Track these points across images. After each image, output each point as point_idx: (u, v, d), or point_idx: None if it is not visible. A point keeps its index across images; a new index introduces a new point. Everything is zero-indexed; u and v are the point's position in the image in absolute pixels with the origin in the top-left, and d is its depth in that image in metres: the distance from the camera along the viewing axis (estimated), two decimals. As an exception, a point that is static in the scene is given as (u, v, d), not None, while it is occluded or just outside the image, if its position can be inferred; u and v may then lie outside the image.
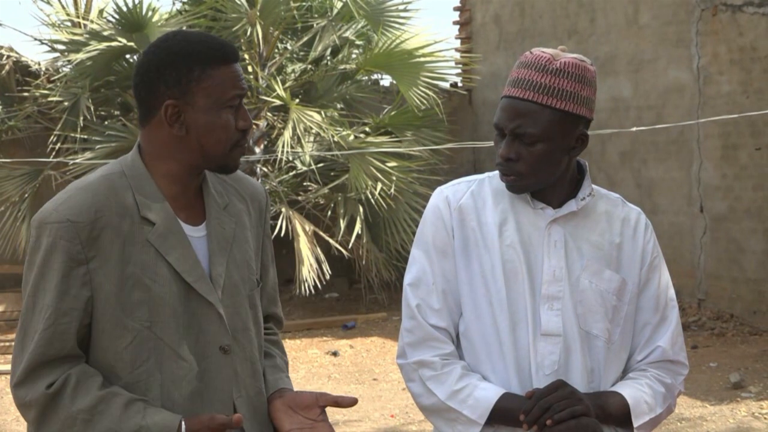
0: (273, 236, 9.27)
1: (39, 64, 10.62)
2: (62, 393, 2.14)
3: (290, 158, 10.31)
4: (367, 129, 10.77)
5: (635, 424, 2.36)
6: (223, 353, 2.25)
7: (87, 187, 2.22)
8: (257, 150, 10.30)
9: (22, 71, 10.56)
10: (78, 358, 2.19)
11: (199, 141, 2.23)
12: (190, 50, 2.21)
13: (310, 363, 8.89)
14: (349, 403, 2.31)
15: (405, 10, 10.84)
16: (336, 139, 9.99)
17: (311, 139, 10.47)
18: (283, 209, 10.04)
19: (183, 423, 2.14)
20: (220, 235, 2.29)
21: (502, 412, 2.31)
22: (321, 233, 10.34)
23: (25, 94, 10.38)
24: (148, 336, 2.18)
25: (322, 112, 10.16)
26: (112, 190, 2.21)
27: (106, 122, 10.38)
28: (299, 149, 10.20)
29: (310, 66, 10.97)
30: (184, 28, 10.03)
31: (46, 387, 2.14)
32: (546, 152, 2.32)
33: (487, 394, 2.33)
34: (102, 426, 2.13)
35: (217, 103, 2.22)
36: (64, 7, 11.10)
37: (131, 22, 9.95)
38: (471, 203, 2.43)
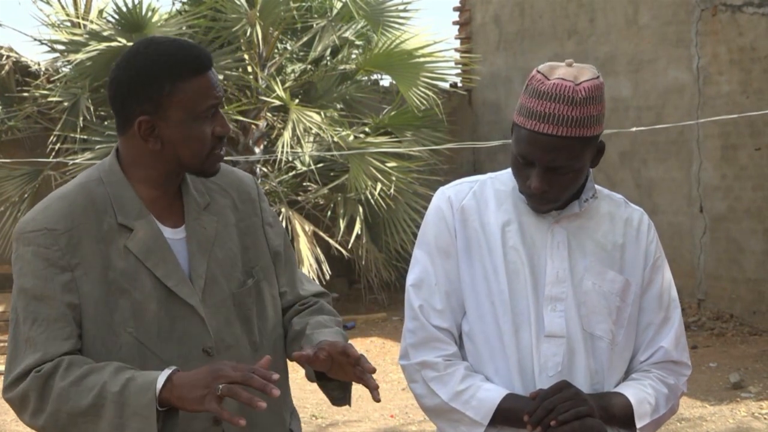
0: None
1: (39, 65, 10.62)
2: (54, 374, 2.12)
3: (290, 158, 10.31)
4: (366, 129, 10.78)
5: (638, 425, 2.36)
6: (206, 355, 2.24)
7: (64, 196, 2.23)
8: (257, 150, 10.30)
9: (22, 71, 10.56)
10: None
11: (174, 153, 2.22)
12: (159, 65, 2.19)
13: (310, 363, 8.89)
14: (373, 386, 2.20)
15: (405, 11, 10.84)
16: (336, 139, 9.99)
17: (311, 139, 10.47)
18: (283, 209, 10.04)
19: (171, 372, 2.07)
20: (201, 236, 2.28)
21: (506, 412, 2.31)
22: (321, 233, 10.34)
23: (25, 94, 10.37)
24: (133, 342, 2.18)
25: (322, 113, 10.17)
26: (89, 198, 2.22)
27: (105, 122, 10.37)
28: (299, 149, 10.20)
29: (309, 66, 10.97)
30: (184, 28, 10.04)
31: (35, 371, 2.12)
32: (578, 176, 2.33)
33: (490, 394, 2.33)
34: (92, 393, 2.08)
35: (191, 115, 2.20)
36: (63, 8, 11.10)
37: (131, 23, 9.94)
38: (473, 204, 2.43)
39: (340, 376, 2.25)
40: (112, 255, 2.19)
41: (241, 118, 10.11)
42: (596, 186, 2.45)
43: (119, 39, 9.84)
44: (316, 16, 11.01)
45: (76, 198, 2.21)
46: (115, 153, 2.29)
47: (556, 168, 2.28)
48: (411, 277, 2.44)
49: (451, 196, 2.45)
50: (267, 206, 2.48)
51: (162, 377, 2.06)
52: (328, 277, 10.08)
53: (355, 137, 10.46)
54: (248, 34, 10.10)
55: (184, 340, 2.22)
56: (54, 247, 2.16)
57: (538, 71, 2.32)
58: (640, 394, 2.38)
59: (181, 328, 2.22)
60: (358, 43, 11.20)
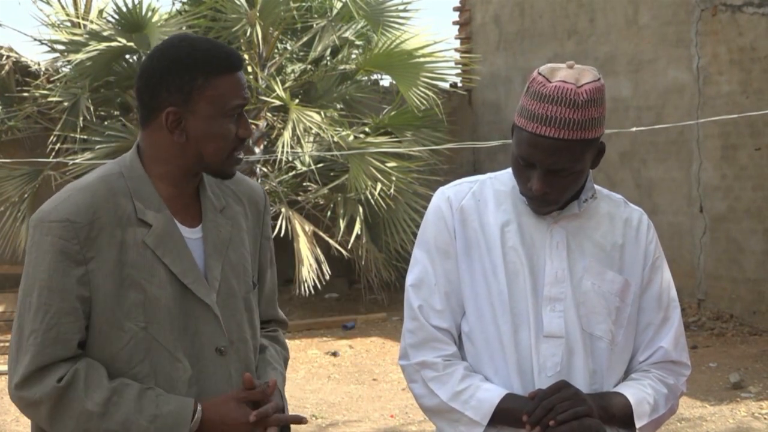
0: (273, 236, 9.34)
1: (39, 65, 10.62)
2: (74, 386, 2.15)
3: (290, 158, 10.31)
4: (366, 129, 10.78)
5: (637, 425, 2.36)
6: (218, 355, 2.26)
7: (86, 188, 2.23)
8: (257, 150, 10.30)
9: (22, 71, 10.56)
10: (80, 356, 2.20)
11: (198, 148, 2.24)
12: (194, 58, 2.21)
13: (310, 363, 8.89)
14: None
15: (405, 11, 10.85)
16: (336, 139, 9.99)
17: (311, 139, 10.47)
18: (283, 209, 10.04)
19: (199, 405, 2.18)
20: (216, 238, 2.30)
21: (505, 412, 2.31)
22: (321, 233, 10.34)
23: (25, 94, 10.37)
24: (144, 337, 2.19)
25: (322, 113, 10.17)
26: (110, 191, 2.22)
27: (105, 122, 10.38)
28: (299, 149, 10.20)
29: (309, 66, 10.97)
30: (184, 28, 10.04)
31: (56, 381, 2.14)
32: (579, 177, 2.34)
33: (489, 395, 2.33)
34: (118, 417, 2.14)
35: (219, 111, 2.22)
36: (63, 8, 11.10)
37: (131, 23, 9.95)
38: (473, 204, 2.43)
39: None
40: (129, 248, 2.20)
41: (241, 118, 10.10)
42: (596, 186, 2.46)
43: (119, 39, 9.84)
44: (316, 16, 11.01)
45: (98, 190, 2.22)
46: (136, 148, 2.30)
47: (558, 170, 2.29)
48: (410, 277, 2.45)
49: (450, 196, 2.45)
50: (269, 220, 2.51)
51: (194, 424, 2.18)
52: (328, 277, 10.08)
53: (355, 137, 10.46)
54: (248, 34, 10.10)
55: (197, 338, 2.24)
56: (74, 240, 2.16)
57: (539, 73, 2.31)
58: (640, 394, 2.38)
59: (194, 326, 2.24)
60: (358, 43, 11.20)
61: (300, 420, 2.32)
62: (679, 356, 2.46)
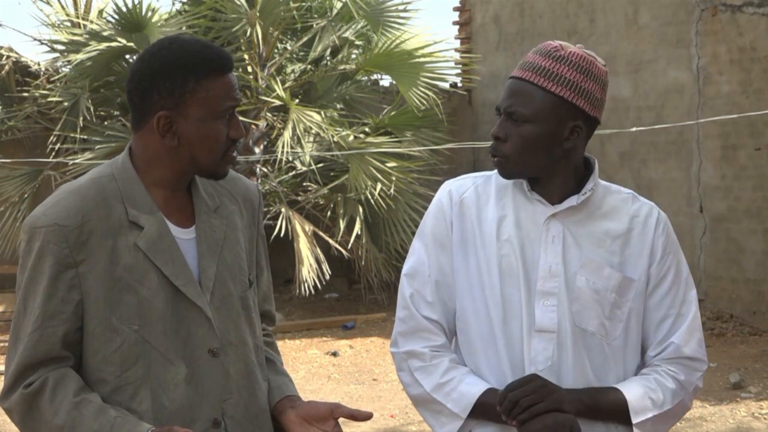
0: (273, 236, 9.31)
1: (39, 65, 10.62)
2: (41, 394, 2.15)
3: (290, 158, 10.31)
4: (366, 129, 10.78)
5: (635, 420, 2.32)
6: (212, 356, 2.25)
7: (76, 191, 2.22)
8: (257, 150, 10.30)
9: (22, 71, 10.56)
10: (63, 360, 2.20)
11: (190, 151, 2.23)
12: (185, 61, 2.20)
13: (310, 363, 8.90)
14: (364, 417, 2.29)
15: (405, 11, 10.85)
16: (336, 139, 9.99)
17: (311, 139, 10.48)
18: (283, 209, 10.04)
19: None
20: (210, 238, 2.29)
21: (486, 407, 2.32)
22: (321, 233, 10.34)
23: (25, 94, 10.38)
24: (137, 339, 2.19)
25: (322, 113, 10.17)
26: (101, 194, 2.22)
27: (105, 122, 10.39)
28: (299, 149, 10.20)
29: (309, 66, 10.98)
30: (184, 28, 10.04)
31: (23, 387, 2.16)
32: (533, 136, 2.32)
33: (471, 388, 2.35)
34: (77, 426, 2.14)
35: (210, 114, 2.21)
36: (63, 8, 11.10)
37: (131, 23, 9.95)
38: (474, 198, 2.44)
39: None
40: (120, 251, 2.19)
41: (241, 118, 10.09)
42: (604, 182, 2.44)
43: (119, 39, 9.85)
44: (316, 16, 11.02)
45: (88, 193, 2.21)
46: (128, 151, 2.29)
47: (512, 113, 2.33)
48: (406, 266, 2.47)
49: (451, 190, 2.47)
50: (262, 218, 2.50)
51: None
52: (328, 277, 10.08)
53: (355, 137, 10.47)
54: (248, 34, 10.11)
55: (189, 339, 2.23)
56: (63, 244, 2.16)
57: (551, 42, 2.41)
58: (640, 390, 2.35)
59: (186, 328, 2.23)
60: (358, 43, 11.20)
61: None
62: (693, 352, 2.41)
